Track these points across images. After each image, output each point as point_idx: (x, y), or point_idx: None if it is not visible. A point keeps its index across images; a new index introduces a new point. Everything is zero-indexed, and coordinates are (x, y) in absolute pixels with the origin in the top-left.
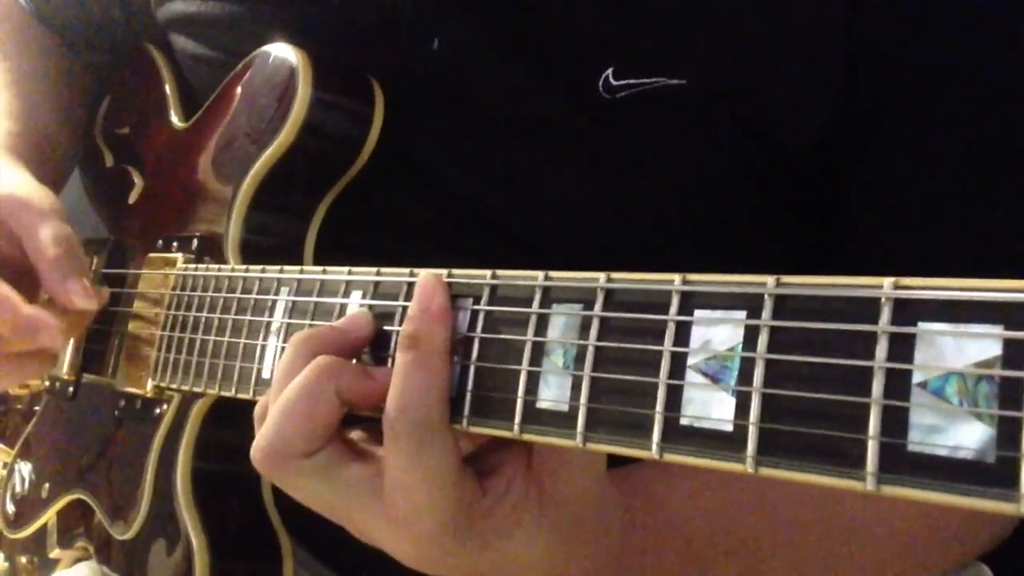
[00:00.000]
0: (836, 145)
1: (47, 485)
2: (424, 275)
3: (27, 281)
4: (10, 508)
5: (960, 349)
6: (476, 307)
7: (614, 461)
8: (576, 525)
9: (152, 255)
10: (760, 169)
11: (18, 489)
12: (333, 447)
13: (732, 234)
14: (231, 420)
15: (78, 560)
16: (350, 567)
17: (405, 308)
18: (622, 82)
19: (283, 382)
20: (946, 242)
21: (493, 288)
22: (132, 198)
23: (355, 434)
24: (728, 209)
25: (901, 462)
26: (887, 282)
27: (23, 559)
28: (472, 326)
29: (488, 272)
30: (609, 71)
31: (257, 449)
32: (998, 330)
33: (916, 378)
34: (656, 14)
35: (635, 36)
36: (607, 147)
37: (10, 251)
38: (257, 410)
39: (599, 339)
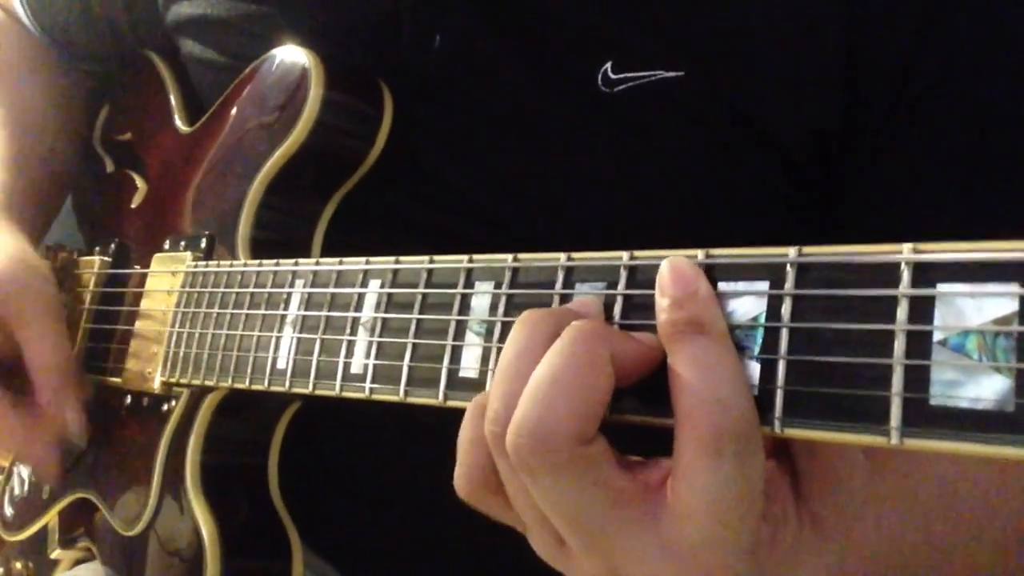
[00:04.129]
0: (833, 141)
1: (47, 487)
2: (675, 258)
3: (10, 365)
4: (8, 511)
5: (978, 308)
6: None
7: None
8: (850, 545)
9: (159, 254)
10: (758, 163)
11: (17, 492)
12: (605, 440)
13: (730, 227)
14: (241, 416)
15: (79, 561)
16: (354, 566)
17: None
18: (621, 76)
19: (522, 359)
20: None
21: (514, 271)
22: (135, 202)
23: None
24: (726, 203)
25: (924, 416)
26: (906, 247)
27: (18, 564)
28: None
29: (508, 256)
30: (608, 65)
31: (519, 434)
32: (1014, 288)
33: (937, 336)
34: (654, 7)
35: (633, 30)
36: (606, 141)
37: None
38: (473, 408)
39: (623, 316)
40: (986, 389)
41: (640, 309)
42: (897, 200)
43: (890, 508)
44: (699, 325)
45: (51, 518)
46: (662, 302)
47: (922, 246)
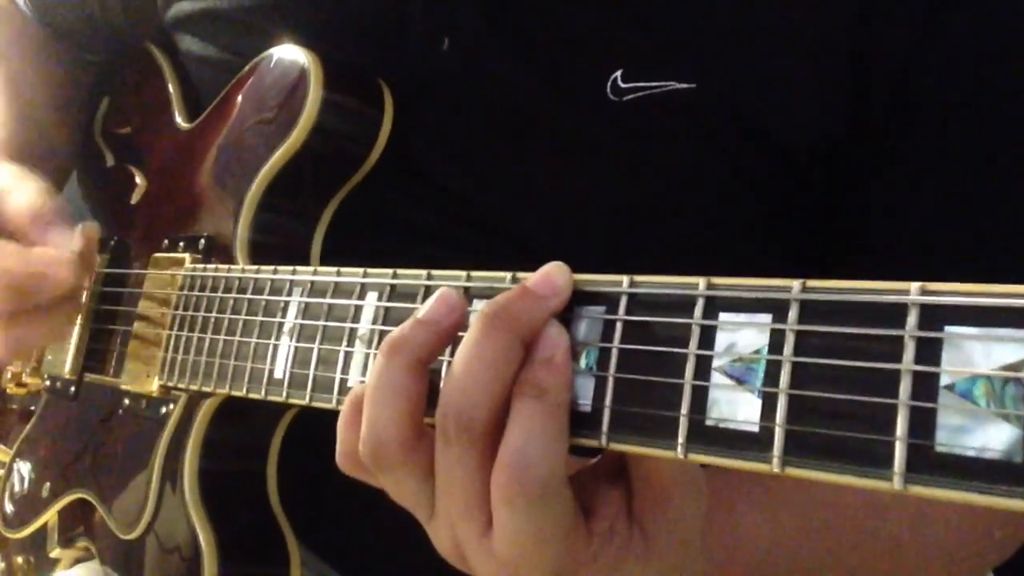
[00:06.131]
0: (842, 154)
1: (48, 485)
2: (552, 326)
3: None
4: (9, 508)
5: (987, 353)
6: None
7: None
8: (679, 562)
9: (157, 255)
10: (765, 175)
11: (17, 489)
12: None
13: (737, 239)
14: (239, 420)
15: (78, 560)
16: (354, 568)
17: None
18: (630, 85)
19: (374, 386)
20: (951, 254)
21: None
22: (135, 198)
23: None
24: (733, 214)
25: (928, 463)
26: (914, 286)
27: (19, 559)
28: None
29: (507, 275)
30: (618, 74)
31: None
32: None
33: (943, 380)
34: (665, 18)
35: (645, 39)
36: (613, 150)
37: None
38: (343, 419)
39: (622, 342)
40: (993, 438)
41: (639, 334)
42: (900, 207)
43: (771, 516)
44: (542, 390)
45: (50, 517)
46: (532, 356)
47: (930, 286)
